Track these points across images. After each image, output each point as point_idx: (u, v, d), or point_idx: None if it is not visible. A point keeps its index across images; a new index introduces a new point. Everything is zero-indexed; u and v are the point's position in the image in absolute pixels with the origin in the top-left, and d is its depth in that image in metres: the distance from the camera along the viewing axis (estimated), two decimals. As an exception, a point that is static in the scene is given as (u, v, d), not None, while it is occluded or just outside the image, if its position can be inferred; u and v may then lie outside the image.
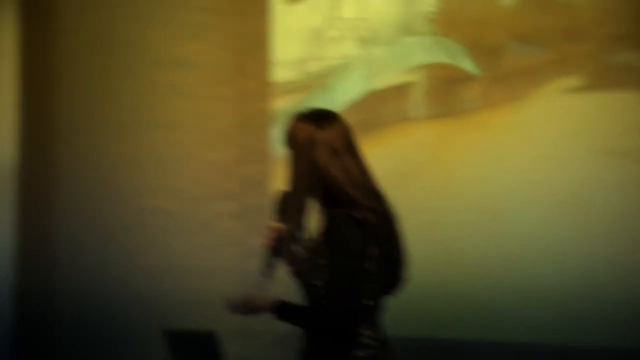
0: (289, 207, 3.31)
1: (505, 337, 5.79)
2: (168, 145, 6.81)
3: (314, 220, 3.32)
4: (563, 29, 5.86)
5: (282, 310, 3.25)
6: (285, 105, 6.82)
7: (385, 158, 6.15)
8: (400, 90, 6.49)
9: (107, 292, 6.74)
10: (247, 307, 3.29)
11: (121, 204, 6.84)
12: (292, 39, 6.89)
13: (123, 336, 6.71)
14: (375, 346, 3.29)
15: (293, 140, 3.30)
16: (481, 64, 6.16)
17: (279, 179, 6.57)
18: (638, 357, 5.37)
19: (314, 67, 6.85)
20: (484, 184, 5.99)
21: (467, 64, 6.22)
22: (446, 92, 6.30)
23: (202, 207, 6.76)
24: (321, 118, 3.34)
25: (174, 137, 6.81)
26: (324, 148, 3.26)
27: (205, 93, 6.84)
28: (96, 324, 6.76)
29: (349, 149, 3.31)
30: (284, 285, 3.41)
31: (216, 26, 6.87)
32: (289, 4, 6.92)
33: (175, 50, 6.82)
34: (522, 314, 5.72)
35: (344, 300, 3.15)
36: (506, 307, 5.76)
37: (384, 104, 6.44)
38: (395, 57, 6.52)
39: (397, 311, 3.56)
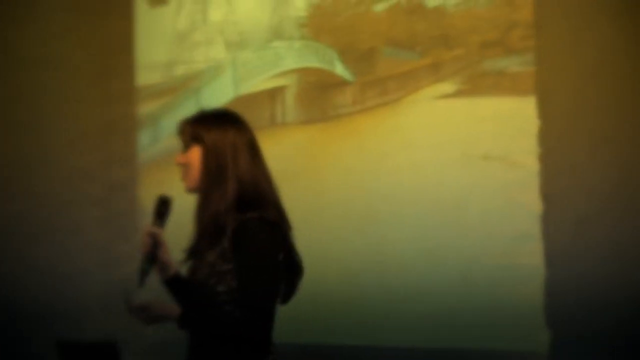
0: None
1: (382, 342, 5.80)
2: (30, 147, 6.55)
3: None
4: (436, 35, 5.93)
5: (188, 318, 3.10)
6: (151, 109, 6.67)
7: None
8: (271, 95, 6.44)
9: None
10: (149, 315, 3.13)
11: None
12: (158, 41, 6.75)
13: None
14: (275, 352, 3.20)
15: (211, 143, 3.16)
16: (354, 69, 6.18)
17: (146, 184, 6.43)
18: (515, 358, 5.45)
19: (181, 71, 6.73)
20: (358, 189, 6.00)
21: (339, 69, 6.21)
22: (318, 96, 6.29)
23: (65, 212, 6.53)
24: (232, 119, 3.23)
25: (36, 140, 6.56)
26: (245, 149, 3.16)
27: (67, 94, 6.62)
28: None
29: (258, 148, 3.24)
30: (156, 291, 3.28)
31: (79, 26, 6.66)
32: (152, 7, 6.77)
33: (36, 50, 6.57)
34: (399, 318, 5.74)
35: (260, 307, 3.06)
36: (382, 312, 5.78)
37: (254, 109, 6.37)
38: (265, 61, 6.47)
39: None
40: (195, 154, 3.19)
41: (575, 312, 5.19)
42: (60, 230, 6.49)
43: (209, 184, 3.17)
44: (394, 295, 5.74)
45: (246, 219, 3.09)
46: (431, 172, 5.77)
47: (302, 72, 6.38)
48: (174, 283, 3.19)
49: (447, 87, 5.89)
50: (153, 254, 3.16)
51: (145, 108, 6.67)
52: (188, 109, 5.75)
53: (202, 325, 3.11)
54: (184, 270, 3.24)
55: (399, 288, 5.74)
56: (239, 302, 3.06)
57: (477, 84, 5.81)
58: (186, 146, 3.21)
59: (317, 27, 6.34)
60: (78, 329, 6.20)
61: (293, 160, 6.25)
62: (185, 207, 3.22)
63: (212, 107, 3.32)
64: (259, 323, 3.07)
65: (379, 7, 6.13)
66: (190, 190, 3.22)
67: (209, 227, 3.14)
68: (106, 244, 6.53)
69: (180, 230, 3.23)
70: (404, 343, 5.73)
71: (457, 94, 5.86)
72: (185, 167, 3.21)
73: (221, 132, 3.18)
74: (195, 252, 3.22)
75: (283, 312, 3.20)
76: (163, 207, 3.21)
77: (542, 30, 5.46)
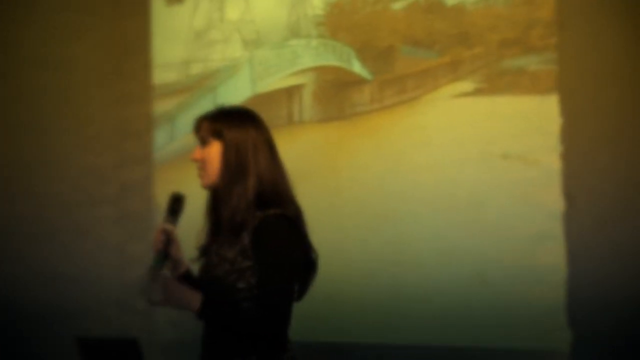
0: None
1: (398, 341, 5.77)
2: (44, 148, 6.54)
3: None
4: (455, 33, 5.90)
5: (205, 315, 3.04)
6: (167, 108, 6.64)
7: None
8: (288, 93, 6.41)
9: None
10: (170, 298, 3.06)
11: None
12: (174, 40, 6.72)
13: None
14: (291, 349, 3.18)
15: (232, 140, 3.13)
16: (372, 67, 6.14)
17: (161, 183, 6.40)
18: (532, 357, 5.40)
19: (197, 69, 6.70)
20: (376, 188, 5.98)
21: (356, 67, 6.18)
22: (336, 95, 6.26)
23: (79, 213, 6.51)
24: (251, 116, 3.21)
25: (50, 141, 6.54)
26: (265, 147, 3.15)
27: (82, 95, 6.60)
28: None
29: (275, 146, 3.21)
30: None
31: (93, 27, 6.63)
32: (169, 5, 6.74)
33: (51, 51, 6.55)
34: (415, 317, 5.72)
35: (276, 304, 3.03)
36: (399, 311, 5.75)
37: (271, 107, 6.35)
38: (282, 60, 6.44)
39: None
40: (215, 150, 3.16)
41: (597, 312, 5.15)
42: (72, 230, 6.46)
43: (229, 181, 3.14)
44: (410, 295, 5.72)
45: (269, 215, 3.07)
46: (450, 170, 5.74)
47: (320, 70, 6.35)
48: (184, 280, 3.18)
49: (466, 85, 5.85)
50: (165, 251, 3.14)
51: (161, 107, 6.65)
52: (204, 107, 5.66)
53: (219, 322, 3.07)
54: (195, 268, 3.22)
55: (415, 287, 5.72)
56: (256, 298, 3.03)
57: (496, 83, 5.77)
58: (203, 142, 3.17)
59: (334, 25, 6.31)
60: (88, 331, 6.18)
61: (310, 158, 6.22)
62: (199, 205, 3.20)
63: (229, 104, 3.29)
64: (275, 320, 3.04)
65: (397, 5, 6.09)
66: (207, 186, 3.19)
67: (227, 223, 3.11)
68: (119, 244, 6.51)
69: (192, 227, 3.21)
70: (420, 342, 5.69)
71: (476, 92, 5.83)
72: (202, 162, 3.18)
73: (242, 129, 3.15)
74: (209, 249, 3.19)
75: (298, 310, 3.17)
76: (176, 204, 3.19)
77: (564, 28, 5.42)
